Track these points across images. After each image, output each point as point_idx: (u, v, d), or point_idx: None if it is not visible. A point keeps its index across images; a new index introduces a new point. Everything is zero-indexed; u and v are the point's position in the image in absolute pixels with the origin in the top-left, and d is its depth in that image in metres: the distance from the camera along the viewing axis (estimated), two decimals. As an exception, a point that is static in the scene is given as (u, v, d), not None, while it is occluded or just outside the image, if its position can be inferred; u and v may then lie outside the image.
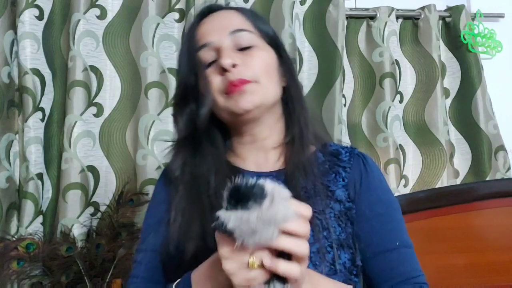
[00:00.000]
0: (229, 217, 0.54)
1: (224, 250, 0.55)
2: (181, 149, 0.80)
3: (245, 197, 0.54)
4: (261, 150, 0.79)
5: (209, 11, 0.81)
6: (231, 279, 0.55)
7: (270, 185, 0.55)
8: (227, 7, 0.84)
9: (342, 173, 0.78)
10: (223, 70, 0.73)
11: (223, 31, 0.76)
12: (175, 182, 0.79)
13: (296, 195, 0.68)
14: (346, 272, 0.72)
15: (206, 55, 0.76)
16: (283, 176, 0.75)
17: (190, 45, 0.78)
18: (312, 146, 0.81)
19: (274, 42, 0.81)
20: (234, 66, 0.72)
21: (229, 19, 0.79)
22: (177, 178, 0.78)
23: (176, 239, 0.73)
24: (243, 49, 0.76)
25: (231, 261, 0.55)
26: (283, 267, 0.53)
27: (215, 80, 0.74)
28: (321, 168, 0.77)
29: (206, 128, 0.79)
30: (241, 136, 0.80)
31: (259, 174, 0.75)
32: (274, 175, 0.75)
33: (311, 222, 0.69)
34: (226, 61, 0.72)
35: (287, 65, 0.81)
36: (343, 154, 0.81)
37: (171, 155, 0.82)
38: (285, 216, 0.55)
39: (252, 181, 0.55)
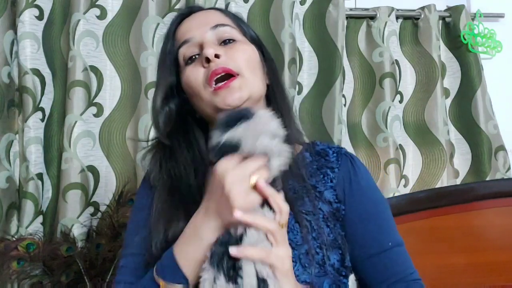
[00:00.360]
0: (233, 133, 0.60)
1: (225, 166, 0.60)
2: (158, 149, 0.80)
3: (236, 119, 0.60)
4: None
5: (189, 12, 0.81)
6: (231, 197, 0.59)
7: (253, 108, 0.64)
8: (207, 8, 0.84)
9: (330, 174, 0.78)
10: (206, 62, 0.73)
11: (204, 27, 0.76)
12: (154, 184, 0.79)
13: (284, 195, 0.68)
14: (335, 273, 0.72)
15: (187, 50, 0.76)
16: None
17: (170, 44, 0.78)
18: (299, 146, 0.80)
19: (257, 41, 0.81)
20: (217, 56, 0.72)
21: (210, 16, 0.79)
22: (154, 179, 0.78)
23: (158, 240, 0.73)
24: (225, 43, 0.76)
25: (232, 175, 0.59)
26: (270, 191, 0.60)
27: (198, 73, 0.74)
28: (309, 168, 0.77)
29: (184, 127, 0.79)
30: None
31: None
32: None
33: (300, 223, 0.69)
34: (208, 51, 0.71)
35: (270, 64, 0.81)
36: (330, 154, 0.80)
37: (149, 156, 0.81)
38: (276, 125, 0.62)
39: (237, 109, 0.63)
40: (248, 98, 0.73)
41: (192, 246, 0.64)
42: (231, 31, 0.77)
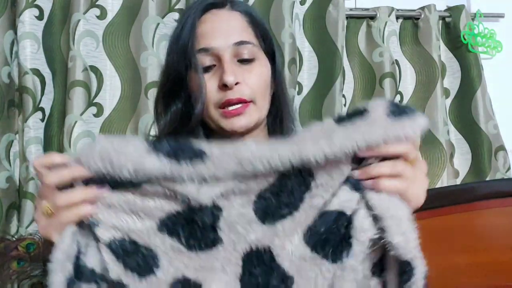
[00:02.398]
0: None
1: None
2: None
3: None
4: None
5: (212, 6, 0.79)
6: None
7: None
8: (231, 6, 0.81)
9: None
10: (224, 86, 0.72)
11: (226, 39, 0.74)
12: None
13: None
14: None
15: (204, 59, 0.75)
16: None
17: (188, 42, 0.76)
18: None
19: (271, 50, 0.81)
20: (235, 83, 0.72)
21: (233, 24, 0.77)
22: None
23: None
24: (243, 61, 0.75)
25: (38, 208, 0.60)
26: None
27: (212, 92, 0.74)
28: None
29: (189, 128, 0.77)
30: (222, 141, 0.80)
31: None
32: None
33: None
34: (229, 79, 0.71)
35: (278, 76, 0.81)
36: None
37: None
38: None
39: None
40: (253, 126, 0.75)
41: None
42: (252, 50, 0.76)
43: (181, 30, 0.78)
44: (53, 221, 0.56)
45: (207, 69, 0.75)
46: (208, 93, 0.74)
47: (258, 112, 0.75)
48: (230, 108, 0.73)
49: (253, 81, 0.74)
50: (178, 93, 0.78)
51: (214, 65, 0.75)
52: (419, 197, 0.59)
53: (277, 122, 0.80)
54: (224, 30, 0.76)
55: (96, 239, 0.56)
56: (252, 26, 0.79)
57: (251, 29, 0.78)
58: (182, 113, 0.78)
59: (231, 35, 0.75)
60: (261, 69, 0.77)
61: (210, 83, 0.74)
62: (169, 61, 0.80)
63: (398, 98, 1.62)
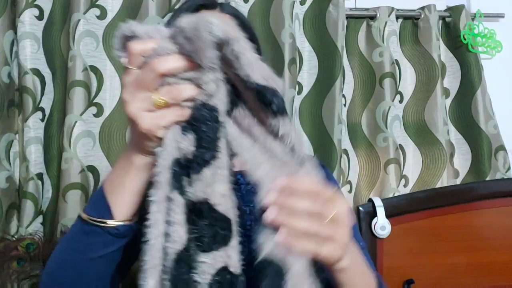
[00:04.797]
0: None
1: (126, 92, 0.53)
2: None
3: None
4: None
5: (202, 7, 0.80)
6: (138, 123, 0.51)
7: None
8: (223, 9, 0.83)
9: None
10: None
11: None
12: None
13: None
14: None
15: None
16: (243, 177, 0.78)
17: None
18: None
19: (259, 54, 0.82)
20: None
21: None
22: None
23: None
24: None
25: (134, 101, 0.52)
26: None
27: None
28: None
29: None
30: None
31: None
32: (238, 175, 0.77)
33: None
34: None
35: None
36: None
37: None
38: None
39: None
40: None
41: (121, 172, 0.59)
42: None
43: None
44: (167, 113, 0.51)
45: None
46: None
47: None
48: None
49: None
50: None
51: None
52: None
53: None
54: None
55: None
56: (242, 29, 0.80)
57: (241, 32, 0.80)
58: None
59: None
60: None
61: None
62: None
63: (398, 98, 1.62)
